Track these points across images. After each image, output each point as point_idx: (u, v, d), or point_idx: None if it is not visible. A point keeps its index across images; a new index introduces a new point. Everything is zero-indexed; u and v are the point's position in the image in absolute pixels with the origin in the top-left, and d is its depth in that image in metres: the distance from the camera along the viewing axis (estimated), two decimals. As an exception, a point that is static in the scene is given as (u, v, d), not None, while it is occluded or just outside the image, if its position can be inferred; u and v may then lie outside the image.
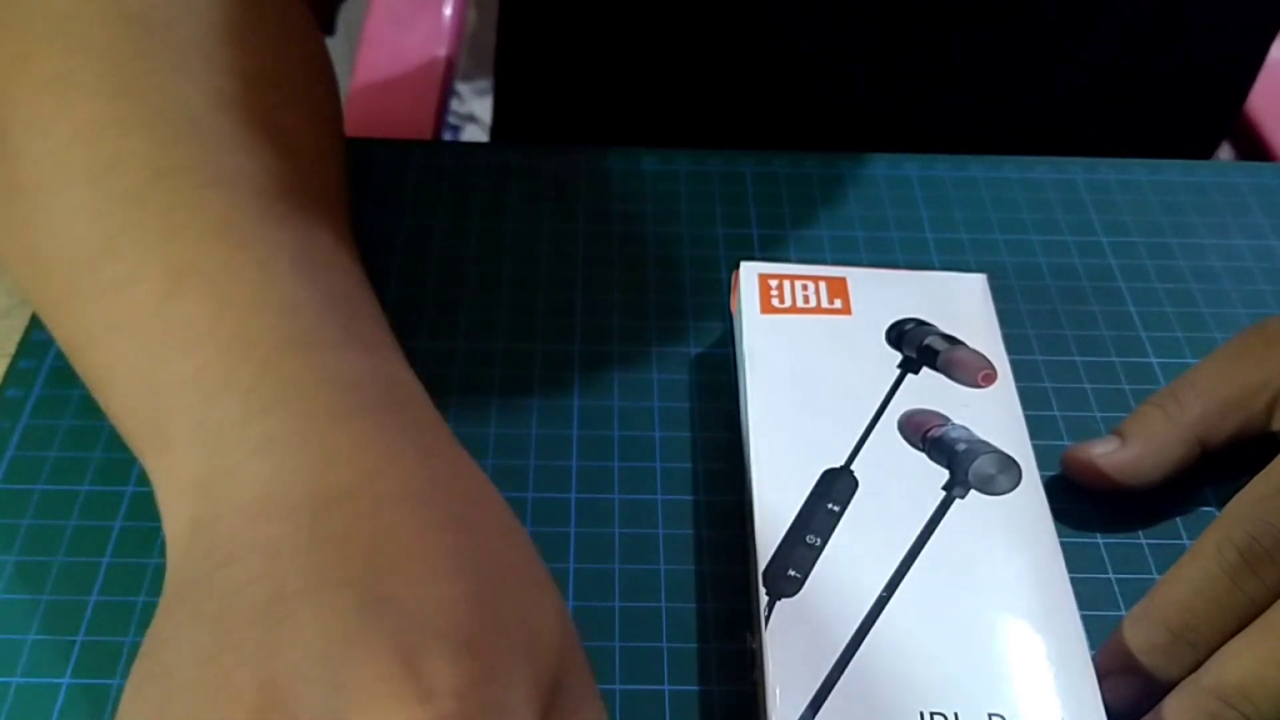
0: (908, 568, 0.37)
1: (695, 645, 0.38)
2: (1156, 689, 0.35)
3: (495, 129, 0.75)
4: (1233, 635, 0.35)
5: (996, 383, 0.42)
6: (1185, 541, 0.41)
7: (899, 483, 0.39)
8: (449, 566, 0.28)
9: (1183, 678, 0.35)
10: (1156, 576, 0.40)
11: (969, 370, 0.42)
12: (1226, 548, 0.35)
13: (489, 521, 0.31)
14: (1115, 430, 0.42)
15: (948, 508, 0.38)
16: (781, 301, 0.44)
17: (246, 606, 0.27)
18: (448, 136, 1.45)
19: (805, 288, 0.44)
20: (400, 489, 0.29)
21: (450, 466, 0.31)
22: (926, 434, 0.40)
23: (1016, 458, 0.40)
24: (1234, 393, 0.40)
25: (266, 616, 0.27)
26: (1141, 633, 0.36)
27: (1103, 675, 0.35)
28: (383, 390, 0.32)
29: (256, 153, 0.37)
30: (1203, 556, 0.36)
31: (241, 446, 0.30)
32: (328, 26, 0.59)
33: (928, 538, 0.38)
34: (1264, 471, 0.37)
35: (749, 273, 0.45)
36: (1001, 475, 0.39)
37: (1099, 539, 0.41)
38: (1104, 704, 0.34)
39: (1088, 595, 0.39)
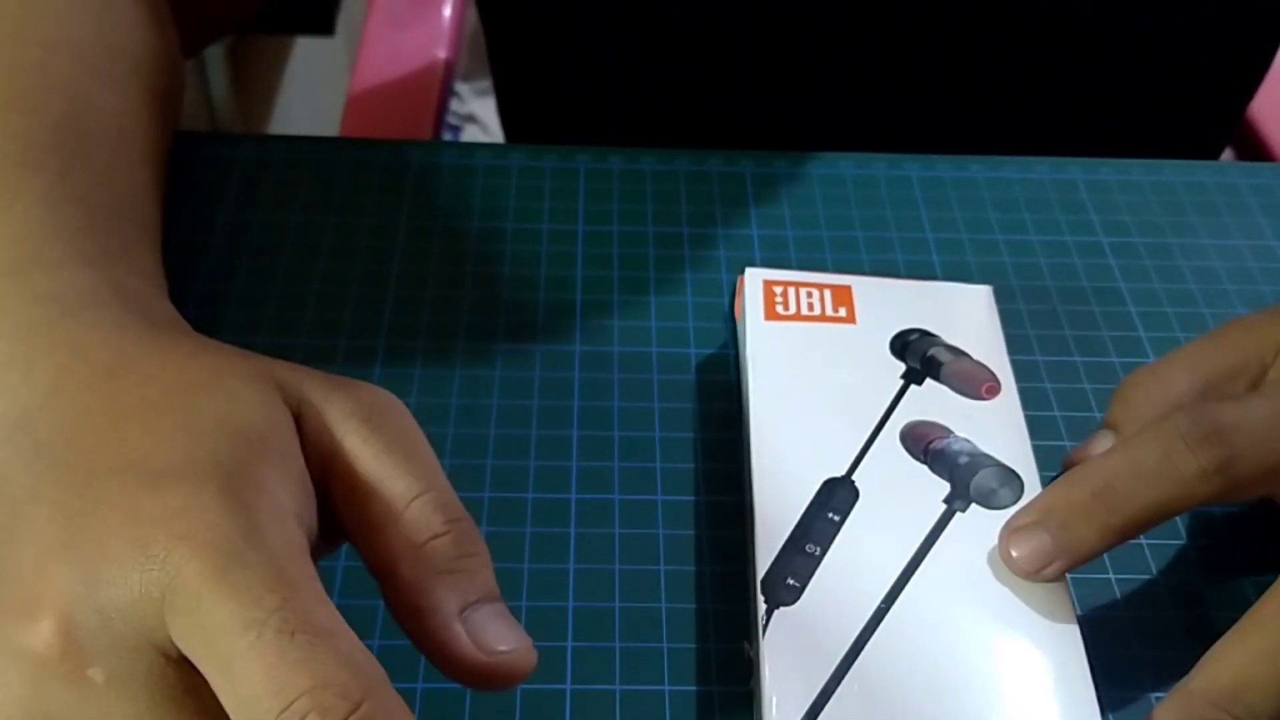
0: (907, 580, 0.37)
1: (695, 645, 0.38)
2: (1069, 555, 0.36)
3: (506, 134, 0.76)
4: (1151, 515, 0.36)
5: (1000, 395, 0.42)
6: (1186, 542, 0.41)
7: (900, 494, 0.39)
8: (144, 418, 0.30)
9: (1092, 549, 0.36)
10: (1157, 576, 0.40)
11: (973, 382, 0.42)
12: (1167, 427, 0.36)
13: (176, 359, 0.32)
14: (1104, 422, 0.41)
15: (948, 520, 0.38)
16: (786, 309, 0.44)
17: None
18: (448, 136, 1.45)
19: (810, 295, 0.44)
20: (89, 375, 0.32)
21: (140, 337, 0.33)
22: (928, 446, 0.40)
23: (1019, 471, 0.39)
24: (1213, 372, 0.40)
25: (6, 528, 0.29)
26: (1065, 486, 0.36)
27: (1014, 529, 0.36)
28: (87, 296, 0.34)
29: (30, 105, 0.39)
30: (1143, 434, 0.36)
31: None
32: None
33: (928, 550, 0.37)
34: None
35: (754, 279, 0.45)
36: (1003, 489, 0.39)
37: (1099, 539, 0.41)
38: None
39: (1088, 595, 0.39)
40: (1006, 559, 0.37)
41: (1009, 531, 0.37)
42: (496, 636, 0.29)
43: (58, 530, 0.29)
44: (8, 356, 0.32)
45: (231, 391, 0.31)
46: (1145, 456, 0.36)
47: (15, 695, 0.28)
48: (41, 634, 0.27)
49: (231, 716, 0.27)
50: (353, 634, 0.28)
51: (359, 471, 0.31)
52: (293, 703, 0.26)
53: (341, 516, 0.31)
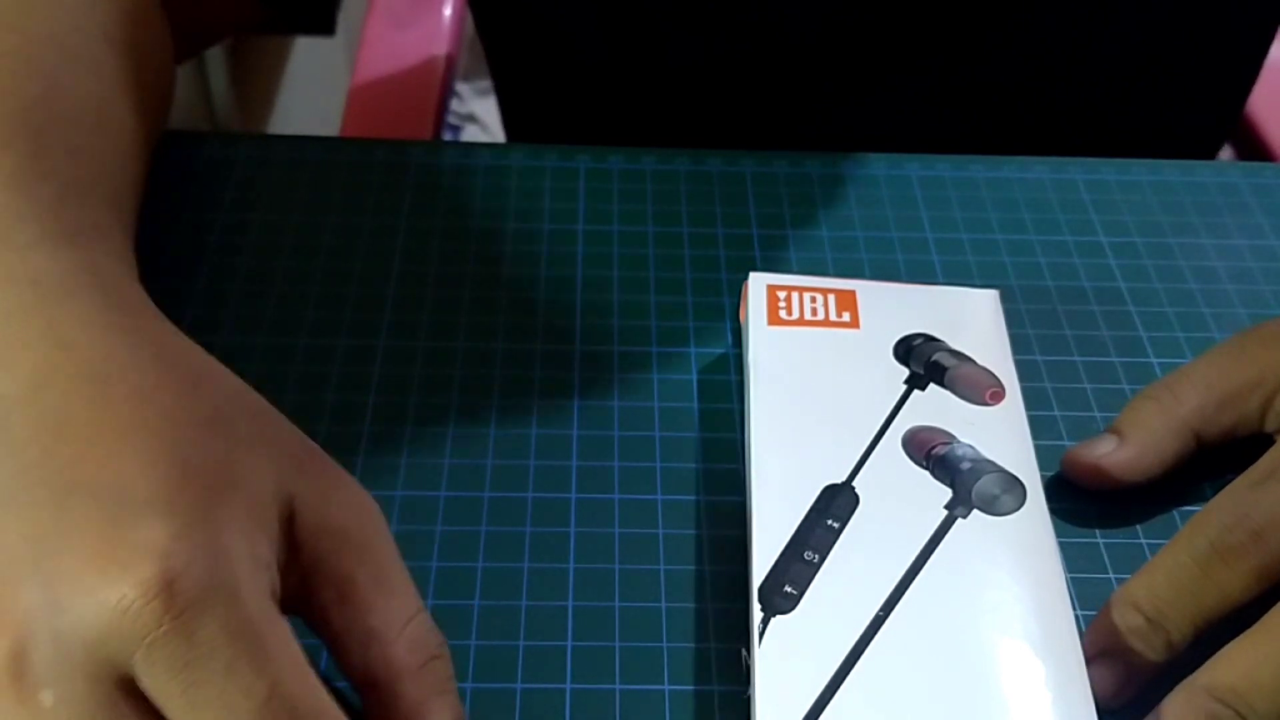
0: (906, 587, 0.37)
1: (695, 645, 0.38)
2: (1139, 674, 0.36)
3: (508, 134, 0.76)
4: (1206, 624, 0.36)
5: (1004, 401, 0.41)
6: (1185, 541, 0.41)
7: (900, 500, 0.39)
8: (134, 439, 0.30)
9: (1162, 662, 0.36)
10: (1156, 576, 0.40)
11: (977, 387, 0.42)
12: (1199, 538, 0.36)
13: (171, 381, 0.32)
14: (1110, 427, 0.42)
15: (949, 527, 0.38)
16: (789, 313, 0.44)
17: None
18: (448, 136, 1.45)
19: (814, 300, 0.44)
20: (75, 374, 0.31)
21: (129, 339, 0.32)
22: (930, 451, 0.40)
23: (1022, 478, 0.39)
24: (1228, 389, 0.41)
25: None
26: (1119, 614, 0.36)
27: (1089, 659, 0.36)
28: (67, 279, 0.34)
29: (4, 88, 0.39)
30: (1178, 546, 0.37)
31: None
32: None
33: (928, 557, 0.37)
34: (1247, 470, 0.38)
35: (757, 283, 0.45)
36: (1006, 495, 0.39)
37: (1099, 539, 0.41)
38: (1092, 692, 0.34)
39: (1088, 595, 0.39)
40: None
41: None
42: None
43: (28, 546, 0.28)
44: None
45: (231, 435, 0.31)
46: (1185, 575, 0.36)
47: None
48: None
49: None
50: (332, 704, 0.29)
51: (357, 581, 0.31)
52: None
53: (325, 616, 0.31)
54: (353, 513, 0.32)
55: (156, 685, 0.27)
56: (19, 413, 0.30)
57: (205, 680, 0.27)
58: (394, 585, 0.32)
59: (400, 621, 0.31)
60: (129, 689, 0.28)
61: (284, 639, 0.29)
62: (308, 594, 0.31)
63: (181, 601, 0.27)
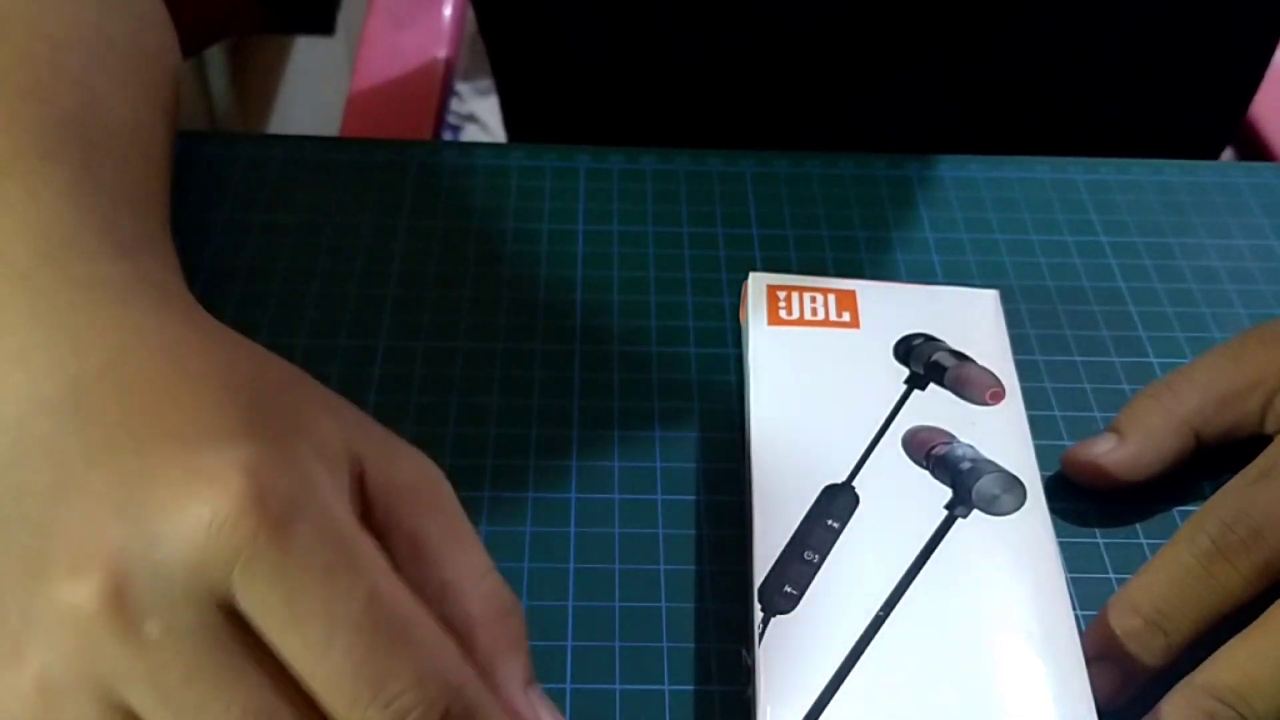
0: (906, 587, 0.37)
1: (695, 645, 0.38)
2: (1138, 676, 0.36)
3: (508, 134, 0.76)
4: (1206, 623, 0.36)
5: (1004, 401, 0.41)
6: (1185, 541, 0.41)
7: (901, 500, 0.39)
8: (210, 394, 0.30)
9: (1161, 665, 0.36)
10: (1156, 576, 0.40)
11: (977, 387, 0.42)
12: (1200, 536, 0.36)
13: (240, 359, 0.33)
14: (1111, 426, 0.42)
15: (949, 527, 0.38)
16: (789, 313, 0.44)
17: (37, 492, 0.29)
18: (448, 136, 1.45)
19: (814, 300, 0.44)
20: (148, 357, 0.31)
21: (195, 329, 0.33)
22: (930, 451, 0.40)
23: (1022, 478, 0.39)
24: (1228, 389, 0.41)
25: (56, 490, 0.29)
26: (1116, 618, 0.36)
27: (1086, 663, 0.36)
28: (131, 285, 0.34)
29: (44, 97, 0.39)
30: (1178, 545, 0.37)
31: (3, 360, 0.32)
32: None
33: (927, 557, 0.37)
34: (1244, 469, 0.38)
35: (757, 283, 0.45)
36: (1006, 495, 0.39)
37: (1099, 538, 0.41)
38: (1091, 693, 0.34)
39: (1088, 595, 0.39)
40: None
41: None
42: (550, 714, 0.31)
43: (113, 490, 0.28)
44: (54, 335, 0.32)
45: (301, 396, 0.32)
46: (1185, 575, 0.36)
47: (63, 656, 0.27)
48: (91, 591, 0.27)
49: (323, 703, 0.27)
50: (426, 612, 0.29)
51: (430, 536, 0.31)
52: (394, 700, 0.27)
53: (399, 573, 0.31)
54: (419, 472, 0.32)
55: (257, 601, 0.27)
56: (95, 386, 0.31)
57: (305, 589, 0.27)
58: (466, 541, 0.32)
59: (474, 575, 0.31)
60: (232, 616, 0.28)
61: (374, 548, 0.29)
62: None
63: (274, 512, 0.27)
